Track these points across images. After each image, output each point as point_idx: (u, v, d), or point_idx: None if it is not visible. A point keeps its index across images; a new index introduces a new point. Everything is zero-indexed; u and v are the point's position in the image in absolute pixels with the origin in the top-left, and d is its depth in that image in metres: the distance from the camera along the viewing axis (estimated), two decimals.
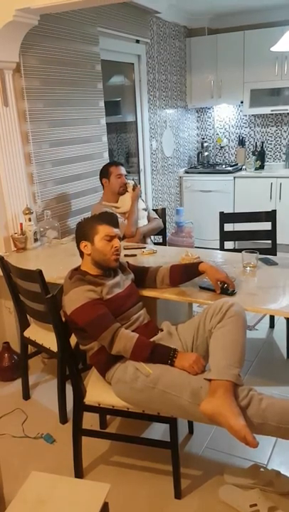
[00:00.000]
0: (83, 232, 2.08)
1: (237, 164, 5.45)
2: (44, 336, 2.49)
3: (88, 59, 3.53)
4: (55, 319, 2.08)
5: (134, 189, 3.25)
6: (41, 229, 3.11)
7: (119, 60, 4.23)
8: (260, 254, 2.44)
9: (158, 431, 2.31)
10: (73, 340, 2.11)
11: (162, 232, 3.55)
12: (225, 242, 3.32)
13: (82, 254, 2.10)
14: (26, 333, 2.62)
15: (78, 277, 1.98)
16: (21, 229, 2.99)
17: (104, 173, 3.25)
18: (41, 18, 2.80)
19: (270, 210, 3.32)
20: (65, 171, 3.41)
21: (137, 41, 4.30)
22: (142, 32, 4.29)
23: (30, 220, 3.00)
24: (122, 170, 3.26)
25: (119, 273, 2.13)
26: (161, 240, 3.68)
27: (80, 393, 2.01)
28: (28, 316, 2.66)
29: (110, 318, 1.90)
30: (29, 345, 2.67)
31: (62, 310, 2.02)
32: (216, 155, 5.79)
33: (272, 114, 5.27)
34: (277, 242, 3.29)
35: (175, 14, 4.80)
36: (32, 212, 3.02)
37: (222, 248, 3.28)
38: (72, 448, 2.06)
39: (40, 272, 2.23)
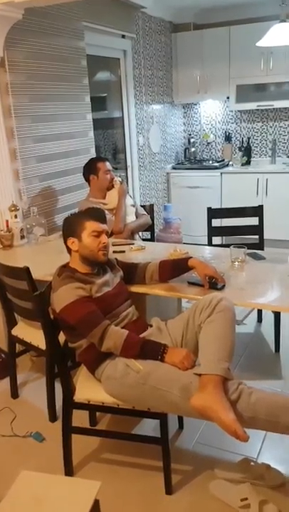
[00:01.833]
0: (70, 229, 2.06)
1: (224, 160, 5.46)
2: (32, 334, 2.46)
3: (74, 54, 3.50)
4: (44, 317, 2.06)
5: (121, 183, 3.24)
6: (28, 226, 3.08)
7: (104, 55, 4.20)
8: (247, 249, 2.44)
9: (148, 427, 2.31)
10: (62, 337, 2.09)
11: (150, 228, 3.54)
12: (213, 238, 3.33)
13: (69, 250, 2.07)
14: (14, 332, 2.59)
15: (67, 275, 1.96)
16: (7, 226, 2.96)
17: (92, 169, 3.21)
18: (26, 13, 2.76)
19: (256, 205, 3.34)
20: (52, 167, 3.38)
21: (123, 36, 4.27)
22: (128, 27, 4.27)
23: (16, 216, 2.96)
24: (109, 165, 3.23)
25: (108, 271, 2.12)
26: (149, 236, 3.67)
27: (69, 391, 1.99)
28: (16, 314, 2.63)
29: (100, 315, 1.89)
30: (17, 344, 2.64)
31: (51, 307, 2.00)
32: (203, 151, 5.79)
33: (258, 109, 5.29)
34: (265, 237, 3.30)
35: (160, 9, 4.78)
36: (18, 209, 2.99)
37: (210, 243, 3.28)
38: (62, 446, 2.04)
39: (27, 269, 2.20)
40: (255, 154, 5.49)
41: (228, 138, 5.55)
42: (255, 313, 3.40)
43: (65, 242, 2.07)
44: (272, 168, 5.15)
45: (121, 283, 2.15)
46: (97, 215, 2.09)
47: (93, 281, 1.99)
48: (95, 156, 3.61)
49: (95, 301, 1.93)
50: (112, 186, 3.23)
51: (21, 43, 2.98)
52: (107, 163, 3.22)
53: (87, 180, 3.25)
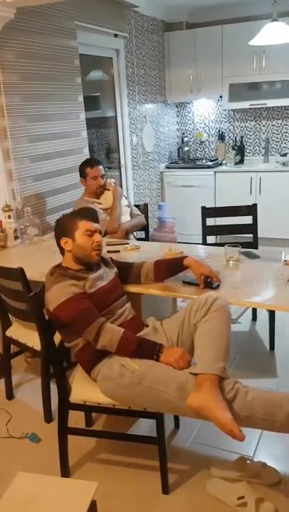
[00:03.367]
0: (63, 229, 2.05)
1: (217, 159, 5.46)
2: (27, 335, 2.45)
3: (66, 53, 3.48)
4: (38, 317, 2.05)
5: (115, 185, 3.23)
6: (22, 226, 3.06)
7: (97, 54, 4.19)
8: (242, 247, 2.45)
9: (144, 427, 2.30)
10: (57, 338, 2.08)
11: (145, 227, 3.54)
12: (207, 237, 3.33)
13: (62, 250, 2.07)
14: (8, 333, 2.58)
15: (60, 273, 1.96)
16: (1, 226, 2.94)
17: (81, 172, 3.19)
18: (18, 12, 2.75)
19: (250, 204, 3.34)
20: (45, 166, 3.37)
21: (115, 35, 4.26)
22: (120, 26, 4.26)
23: (10, 217, 2.95)
24: (99, 170, 3.15)
25: (102, 266, 2.11)
26: (144, 236, 3.67)
27: (64, 392, 1.99)
28: (10, 315, 2.62)
29: (95, 312, 1.88)
30: (12, 345, 2.63)
31: (46, 307, 1.99)
32: (197, 150, 5.80)
33: (250, 108, 5.30)
34: (259, 235, 3.31)
35: (153, 8, 4.77)
36: (12, 210, 2.98)
37: (204, 243, 3.28)
38: (58, 447, 2.04)
39: (21, 270, 2.19)
40: (249, 153, 5.50)
41: (221, 137, 5.56)
42: (249, 312, 3.41)
43: (58, 243, 2.07)
44: (265, 166, 5.17)
45: (116, 279, 2.14)
46: (90, 214, 2.08)
47: (86, 276, 1.98)
48: (89, 158, 3.58)
49: (89, 297, 1.92)
50: (102, 192, 3.20)
51: (13, 43, 2.96)
52: (98, 168, 3.14)
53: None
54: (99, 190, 3.19)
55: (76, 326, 1.87)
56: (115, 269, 2.19)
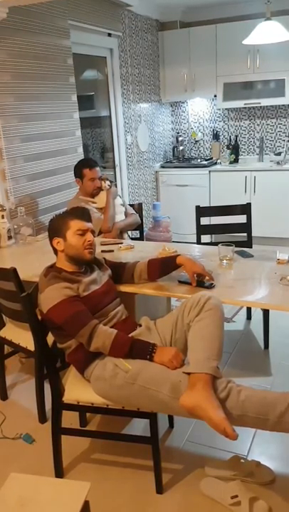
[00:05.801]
0: (55, 229, 2.05)
1: (212, 158, 5.47)
2: (20, 336, 2.44)
3: (59, 53, 3.47)
4: (31, 318, 2.05)
5: (110, 187, 3.22)
6: (15, 226, 3.05)
7: (91, 53, 4.18)
8: (236, 247, 2.45)
9: (138, 426, 2.30)
10: (50, 338, 2.08)
11: (140, 227, 3.53)
12: (202, 236, 3.33)
13: (55, 251, 2.07)
14: (2, 333, 2.57)
15: (54, 274, 1.95)
16: None
17: (78, 173, 3.19)
18: (10, 11, 2.74)
19: (244, 203, 3.35)
20: (39, 166, 3.35)
21: (109, 35, 4.25)
22: (114, 25, 4.25)
23: (3, 217, 2.94)
24: (97, 172, 3.17)
25: (95, 269, 2.11)
26: (138, 235, 3.66)
27: (58, 392, 1.98)
28: (4, 316, 2.61)
29: (88, 315, 1.88)
30: (5, 345, 2.62)
31: (39, 309, 1.98)
32: (191, 149, 5.80)
33: (245, 107, 5.31)
34: (253, 234, 3.31)
35: (147, 7, 4.77)
36: (5, 210, 2.97)
37: (199, 242, 3.28)
38: (52, 447, 2.03)
39: (14, 270, 2.18)
40: (243, 152, 5.51)
41: (216, 136, 5.56)
42: (244, 311, 3.42)
43: (51, 243, 2.06)
44: (259, 165, 5.17)
45: (109, 281, 2.14)
46: (81, 214, 2.08)
47: (80, 280, 1.97)
48: (85, 158, 3.57)
49: (82, 300, 1.92)
50: (98, 193, 3.20)
51: (6, 42, 2.95)
52: (95, 170, 3.15)
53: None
54: (95, 192, 3.19)
55: (69, 329, 1.86)
56: (109, 271, 2.18)
